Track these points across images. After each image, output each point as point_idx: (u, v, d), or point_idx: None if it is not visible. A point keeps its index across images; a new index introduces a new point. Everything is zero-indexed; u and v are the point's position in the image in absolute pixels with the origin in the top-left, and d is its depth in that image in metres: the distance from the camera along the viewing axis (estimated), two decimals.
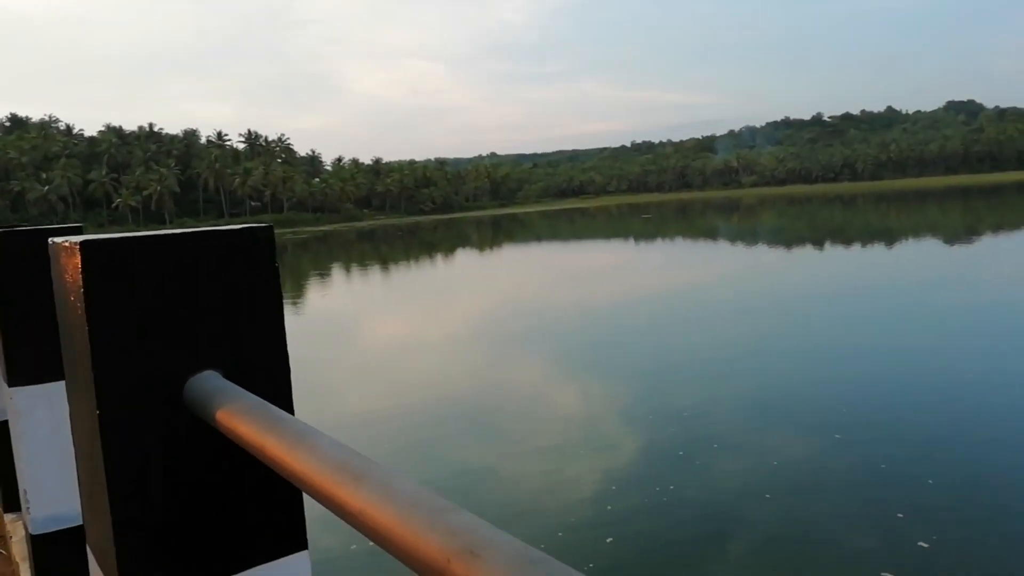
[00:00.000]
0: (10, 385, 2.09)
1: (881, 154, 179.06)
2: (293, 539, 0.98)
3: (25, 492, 2.11)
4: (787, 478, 7.22)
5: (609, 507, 6.80)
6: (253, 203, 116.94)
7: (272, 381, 0.91)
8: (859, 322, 15.17)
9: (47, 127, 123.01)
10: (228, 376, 0.89)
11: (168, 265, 0.89)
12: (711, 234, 54.66)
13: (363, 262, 45.94)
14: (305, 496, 0.99)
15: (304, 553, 1.00)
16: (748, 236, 49.23)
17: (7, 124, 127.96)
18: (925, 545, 5.78)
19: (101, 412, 0.88)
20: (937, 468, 7.24)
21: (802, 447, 8.08)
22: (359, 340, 17.19)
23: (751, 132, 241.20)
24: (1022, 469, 7.18)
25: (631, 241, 52.33)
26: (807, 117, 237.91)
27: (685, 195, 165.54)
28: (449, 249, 54.71)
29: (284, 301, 0.99)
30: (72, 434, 1.07)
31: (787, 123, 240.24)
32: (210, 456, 0.91)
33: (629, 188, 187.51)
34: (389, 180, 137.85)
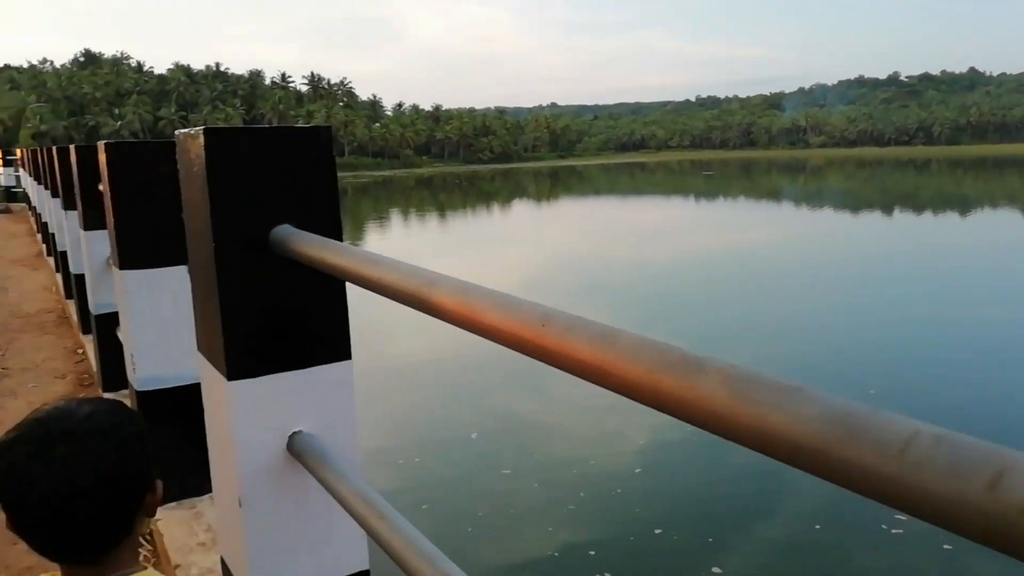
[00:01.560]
0: (121, 268, 2.57)
1: (960, 117, 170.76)
2: (342, 349, 1.39)
3: (132, 356, 2.61)
4: None
5: (654, 461, 7.20)
6: None
7: (328, 229, 1.31)
8: (920, 293, 14.98)
9: (119, 63, 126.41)
10: (299, 227, 1.29)
11: (260, 148, 1.29)
12: (775, 195, 53.47)
13: (421, 209, 46.57)
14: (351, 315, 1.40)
15: (349, 362, 1.41)
16: (814, 199, 48.03)
17: (81, 60, 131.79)
18: None
19: (217, 252, 1.29)
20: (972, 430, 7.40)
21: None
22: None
23: (822, 90, 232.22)
24: None
25: (691, 199, 51.63)
26: (883, 76, 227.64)
27: (749, 153, 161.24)
28: (506, 199, 54.93)
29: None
30: (191, 275, 1.49)
31: (861, 82, 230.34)
32: (287, 282, 1.32)
33: (691, 144, 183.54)
34: (448, 127, 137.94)
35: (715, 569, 5.10)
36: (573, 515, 5.86)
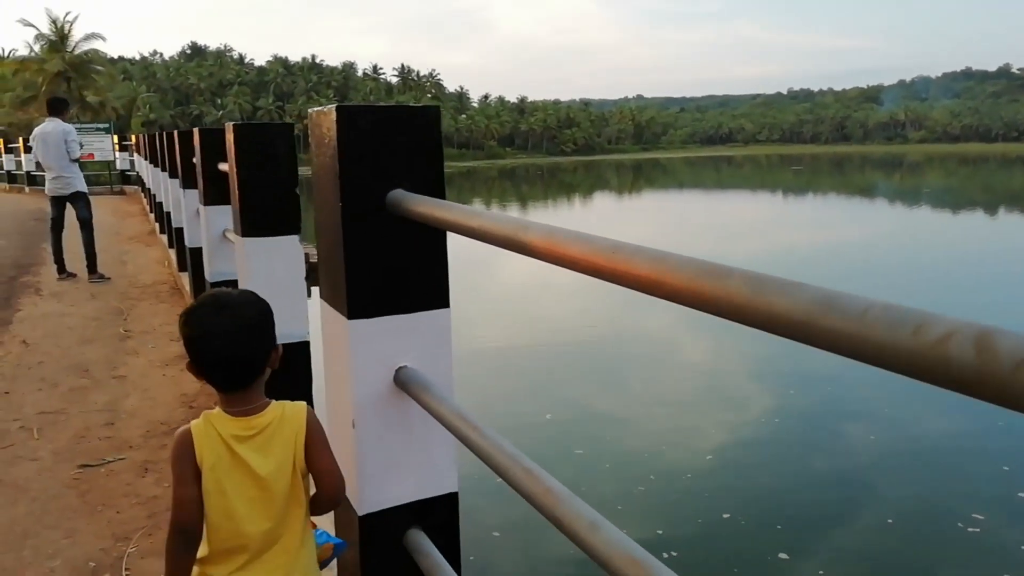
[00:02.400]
0: (243, 236, 2.89)
1: None
2: (442, 297, 1.62)
3: None
4: (924, 449, 7.04)
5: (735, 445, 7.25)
6: None
7: (435, 192, 1.53)
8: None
9: (222, 56, 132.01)
10: (410, 190, 1.52)
11: (381, 124, 1.52)
12: (867, 192, 51.37)
13: (504, 199, 47.01)
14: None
15: (447, 310, 1.64)
16: (909, 196, 45.88)
17: (188, 52, 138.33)
18: None
19: (343, 212, 1.53)
20: None
21: (945, 433, 7.66)
22: (493, 276, 17.77)
23: (925, 83, 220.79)
24: None
25: (777, 194, 50.25)
26: (992, 68, 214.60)
27: (842, 148, 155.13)
28: (587, 192, 54.78)
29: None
30: (318, 233, 1.74)
31: (968, 74, 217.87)
32: (399, 239, 1.55)
33: (781, 138, 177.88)
34: (533, 119, 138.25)
35: (782, 555, 5.16)
36: (643, 496, 6.00)
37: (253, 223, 2.87)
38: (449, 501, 1.71)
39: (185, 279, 6.38)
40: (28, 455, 3.42)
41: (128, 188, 20.88)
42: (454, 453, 1.72)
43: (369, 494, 1.63)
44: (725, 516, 5.67)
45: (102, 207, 12.88)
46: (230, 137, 2.87)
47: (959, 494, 6.18)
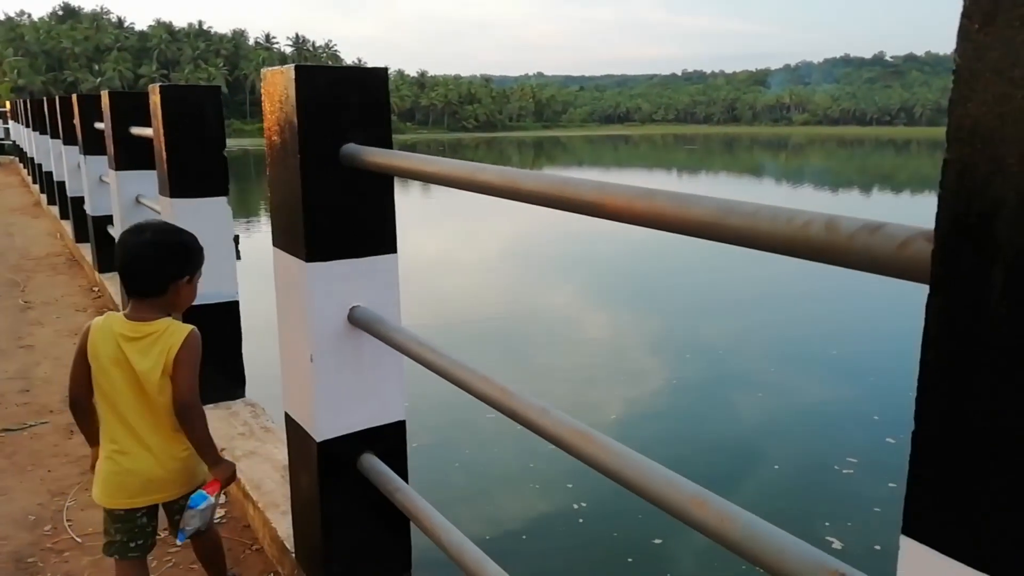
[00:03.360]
0: (171, 197, 2.94)
1: (942, 99, 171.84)
2: (391, 243, 1.79)
3: None
4: (806, 405, 7.67)
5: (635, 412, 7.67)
6: None
7: (384, 145, 1.70)
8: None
9: (99, 18, 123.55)
10: (362, 143, 1.68)
11: (335, 83, 1.67)
12: (756, 171, 54.00)
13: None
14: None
15: (395, 255, 1.81)
16: (793, 176, 48.57)
17: (60, 13, 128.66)
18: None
19: (301, 164, 1.67)
20: None
21: (824, 390, 8.30)
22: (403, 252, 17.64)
23: (808, 68, 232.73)
24: None
25: (673, 173, 52.02)
26: (868, 56, 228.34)
27: (733, 129, 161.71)
28: None
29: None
30: (271, 185, 1.87)
31: (847, 61, 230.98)
32: (351, 189, 1.71)
33: (676, 118, 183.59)
34: (434, 94, 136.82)
35: None
36: (553, 454, 6.31)
37: (182, 185, 2.91)
38: (398, 428, 1.89)
39: (86, 250, 6.18)
40: None
41: (3, 159, 19.50)
42: (402, 385, 1.90)
43: (325, 422, 1.80)
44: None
45: None
46: (155, 99, 2.89)
47: (836, 442, 6.84)
